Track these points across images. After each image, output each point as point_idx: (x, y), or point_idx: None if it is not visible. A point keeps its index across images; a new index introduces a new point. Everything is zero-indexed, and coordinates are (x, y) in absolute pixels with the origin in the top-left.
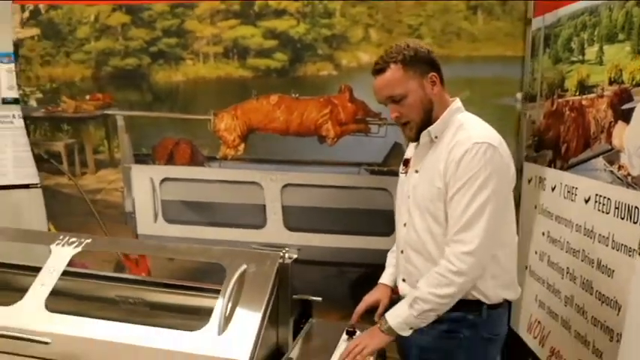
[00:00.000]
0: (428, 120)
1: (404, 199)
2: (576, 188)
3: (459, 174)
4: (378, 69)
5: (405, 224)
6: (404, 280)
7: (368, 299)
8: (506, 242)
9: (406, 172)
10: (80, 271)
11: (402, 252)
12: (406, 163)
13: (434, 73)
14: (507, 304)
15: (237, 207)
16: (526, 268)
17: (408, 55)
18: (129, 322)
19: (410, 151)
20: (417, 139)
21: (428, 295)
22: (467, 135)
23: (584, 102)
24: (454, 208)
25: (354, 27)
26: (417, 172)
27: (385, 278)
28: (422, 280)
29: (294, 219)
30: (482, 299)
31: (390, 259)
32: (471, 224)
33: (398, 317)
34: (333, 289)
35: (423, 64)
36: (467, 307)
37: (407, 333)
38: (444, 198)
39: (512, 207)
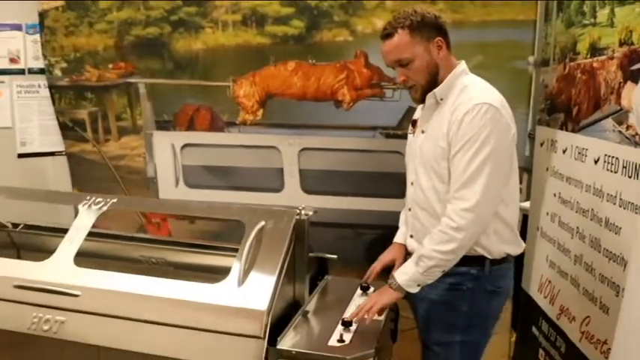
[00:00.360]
0: (434, 83)
1: (412, 159)
2: (586, 149)
3: (460, 134)
4: (386, 34)
5: (412, 183)
6: (412, 237)
7: (384, 258)
8: (510, 200)
9: (414, 133)
10: (105, 232)
11: (409, 210)
12: (414, 123)
13: (440, 38)
14: (512, 259)
15: (256, 171)
16: (537, 229)
17: (414, 21)
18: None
19: (418, 113)
20: (422, 100)
21: (431, 252)
22: (468, 96)
23: (594, 64)
24: (455, 167)
25: None
26: (423, 132)
27: (399, 237)
28: (426, 238)
29: (311, 182)
30: (486, 254)
31: (403, 218)
32: (471, 181)
33: (405, 275)
34: (349, 250)
35: (429, 29)
36: (471, 262)
37: (415, 290)
38: (447, 157)
39: (516, 166)
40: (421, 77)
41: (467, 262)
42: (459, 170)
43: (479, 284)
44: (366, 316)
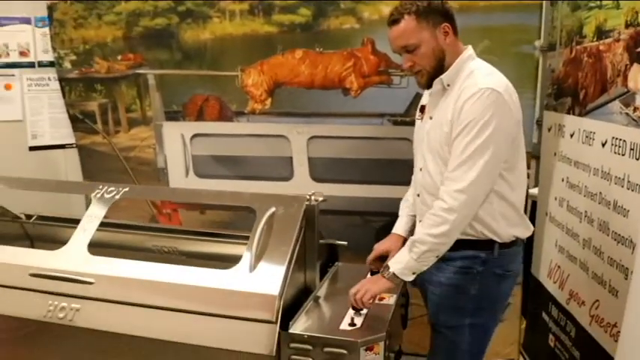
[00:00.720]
0: (440, 68)
1: (420, 145)
2: (594, 133)
3: (462, 117)
4: (393, 20)
5: (420, 169)
6: (420, 222)
7: (378, 247)
8: (517, 184)
9: (422, 119)
10: (118, 222)
11: (418, 195)
12: (422, 109)
13: (446, 24)
14: (521, 242)
15: (266, 160)
16: (546, 214)
17: (421, 7)
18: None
19: (425, 98)
20: (428, 86)
21: (424, 236)
22: (473, 82)
23: (601, 47)
24: (454, 149)
25: None
26: (431, 118)
27: (398, 228)
28: (420, 223)
29: (320, 170)
30: (495, 238)
31: (403, 209)
32: (466, 163)
33: (400, 263)
34: (359, 238)
35: (435, 15)
36: (480, 245)
37: (410, 278)
38: (451, 142)
39: (523, 151)
40: (427, 63)
41: (476, 245)
42: (456, 152)
43: (488, 267)
44: (360, 305)
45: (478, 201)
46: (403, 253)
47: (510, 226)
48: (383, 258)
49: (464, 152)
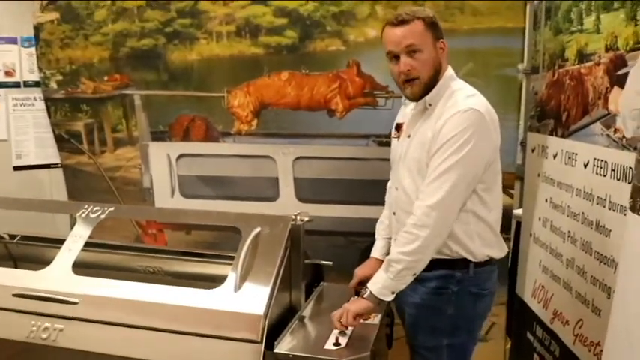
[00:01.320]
0: (434, 81)
1: (396, 163)
2: (576, 154)
3: (441, 137)
4: (402, 20)
5: (396, 188)
6: (395, 240)
7: (359, 272)
8: (493, 205)
9: (398, 137)
10: (103, 242)
11: (394, 214)
12: (398, 127)
13: (443, 41)
14: (495, 262)
15: (251, 180)
16: (530, 235)
17: (429, 17)
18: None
19: (401, 117)
20: (419, 98)
21: (398, 255)
22: (454, 102)
23: (582, 70)
24: (431, 165)
25: (361, 3)
26: (409, 137)
27: (375, 251)
28: (394, 242)
29: (306, 191)
30: (469, 257)
31: (380, 232)
32: (439, 179)
33: (377, 283)
34: (344, 258)
35: (437, 29)
36: (454, 264)
37: (389, 297)
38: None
39: (499, 173)
40: (426, 70)
41: (450, 264)
42: (432, 168)
43: (463, 287)
44: (341, 327)
45: (450, 217)
46: (380, 273)
47: (486, 246)
48: (364, 282)
49: (438, 168)
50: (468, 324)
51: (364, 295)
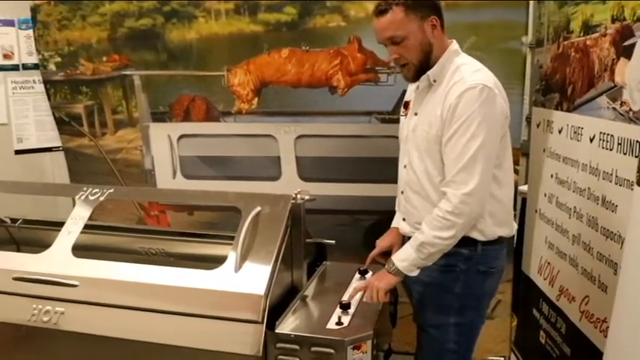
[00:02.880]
0: (427, 62)
1: (404, 141)
2: (582, 128)
3: (456, 116)
4: (380, 10)
5: (405, 166)
6: (404, 220)
7: (381, 244)
8: (505, 181)
9: (406, 115)
10: (104, 224)
11: (402, 192)
12: (406, 105)
13: (434, 17)
14: (504, 240)
15: (253, 160)
16: (536, 211)
17: None
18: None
19: (410, 94)
20: (414, 80)
21: (433, 239)
22: (462, 78)
23: (588, 42)
24: (451, 150)
25: None
26: (416, 114)
27: (396, 221)
28: (425, 223)
29: (308, 169)
30: (479, 237)
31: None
32: (470, 165)
33: (405, 261)
34: (348, 237)
35: (424, 7)
36: (462, 242)
37: (415, 272)
38: (440, 140)
39: (510, 147)
40: (414, 56)
41: (459, 242)
42: (455, 154)
43: (471, 265)
44: (370, 301)
45: (484, 200)
46: (408, 251)
47: (495, 225)
48: (387, 254)
49: (464, 153)
50: (475, 302)
51: (390, 271)
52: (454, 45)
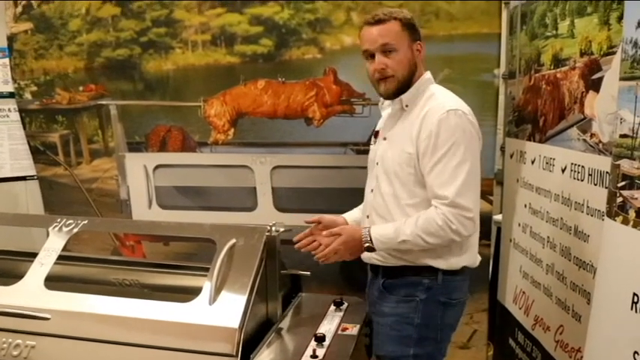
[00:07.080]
0: (408, 81)
1: (372, 167)
2: (553, 159)
3: (440, 142)
4: (378, 19)
5: (372, 190)
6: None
7: (326, 219)
8: None
9: (375, 143)
10: (78, 255)
11: (367, 217)
12: (376, 135)
13: (420, 42)
14: (467, 271)
15: (229, 190)
16: (511, 241)
17: (406, 18)
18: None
19: (380, 124)
20: (392, 97)
21: (418, 239)
22: (439, 103)
23: (558, 75)
24: (439, 175)
25: (337, 11)
26: (385, 139)
27: (348, 214)
28: (413, 220)
29: (284, 200)
30: (441, 264)
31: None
32: (465, 190)
33: (384, 244)
34: (323, 268)
35: (415, 31)
36: (423, 272)
37: (375, 251)
38: (414, 163)
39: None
40: (400, 70)
41: (419, 271)
42: (445, 177)
43: (431, 295)
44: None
45: (477, 217)
46: (389, 234)
47: (456, 255)
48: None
49: (456, 177)
50: (435, 334)
51: (364, 244)
52: (428, 74)
